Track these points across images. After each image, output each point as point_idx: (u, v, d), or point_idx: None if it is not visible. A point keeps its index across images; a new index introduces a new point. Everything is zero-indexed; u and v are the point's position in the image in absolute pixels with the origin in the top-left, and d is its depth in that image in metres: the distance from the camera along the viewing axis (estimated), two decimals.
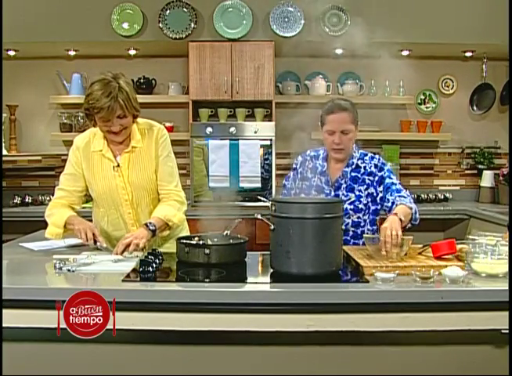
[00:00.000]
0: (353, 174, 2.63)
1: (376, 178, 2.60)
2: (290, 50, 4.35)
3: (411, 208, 2.39)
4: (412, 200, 2.48)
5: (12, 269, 2.17)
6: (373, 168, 2.63)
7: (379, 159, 2.67)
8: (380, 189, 2.59)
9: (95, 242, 2.37)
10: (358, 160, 2.65)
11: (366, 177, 2.62)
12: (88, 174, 2.52)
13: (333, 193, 2.62)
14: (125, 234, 2.40)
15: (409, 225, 2.41)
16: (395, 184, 2.57)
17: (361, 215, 2.59)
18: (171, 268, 2.19)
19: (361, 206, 2.59)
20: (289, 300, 1.82)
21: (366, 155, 2.68)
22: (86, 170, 2.52)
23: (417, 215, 2.43)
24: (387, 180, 2.59)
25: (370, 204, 2.60)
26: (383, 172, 2.61)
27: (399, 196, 2.48)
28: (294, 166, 2.80)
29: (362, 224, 2.60)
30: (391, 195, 2.53)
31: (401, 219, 2.24)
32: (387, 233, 2.13)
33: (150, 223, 2.40)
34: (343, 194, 2.60)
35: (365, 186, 2.60)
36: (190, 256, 2.13)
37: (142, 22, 4.12)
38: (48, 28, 4.05)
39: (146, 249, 2.49)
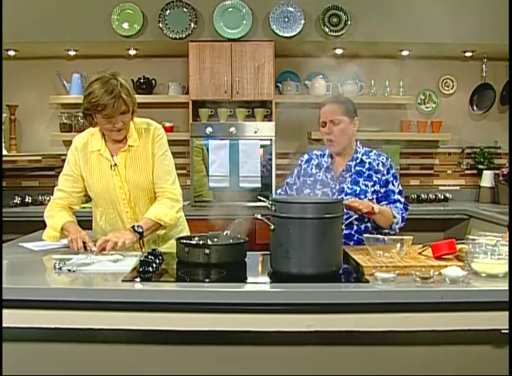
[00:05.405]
0: (357, 168, 2.65)
1: (384, 178, 2.63)
2: (290, 50, 4.37)
3: (394, 217, 2.52)
4: (402, 213, 2.58)
5: (12, 269, 2.17)
6: (380, 167, 2.65)
7: (387, 158, 2.70)
8: (382, 191, 2.63)
9: (86, 248, 2.34)
10: (362, 155, 2.68)
11: (373, 174, 2.64)
12: (86, 174, 2.52)
13: (337, 187, 2.62)
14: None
15: (387, 230, 2.54)
16: (395, 193, 2.63)
17: None
18: (171, 268, 2.19)
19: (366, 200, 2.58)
20: (289, 300, 1.82)
21: (371, 152, 2.72)
22: (84, 170, 2.52)
23: (397, 226, 2.53)
24: (390, 186, 2.64)
25: (375, 201, 2.60)
26: (389, 176, 2.65)
27: (394, 207, 2.58)
28: (299, 162, 2.81)
29: (365, 219, 2.59)
30: (386, 204, 2.59)
31: (373, 208, 2.41)
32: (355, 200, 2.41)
33: (138, 226, 2.39)
34: (348, 187, 2.61)
35: (372, 183, 2.62)
36: (190, 256, 2.13)
37: (142, 22, 4.12)
38: (48, 28, 4.05)
39: (146, 249, 2.49)
